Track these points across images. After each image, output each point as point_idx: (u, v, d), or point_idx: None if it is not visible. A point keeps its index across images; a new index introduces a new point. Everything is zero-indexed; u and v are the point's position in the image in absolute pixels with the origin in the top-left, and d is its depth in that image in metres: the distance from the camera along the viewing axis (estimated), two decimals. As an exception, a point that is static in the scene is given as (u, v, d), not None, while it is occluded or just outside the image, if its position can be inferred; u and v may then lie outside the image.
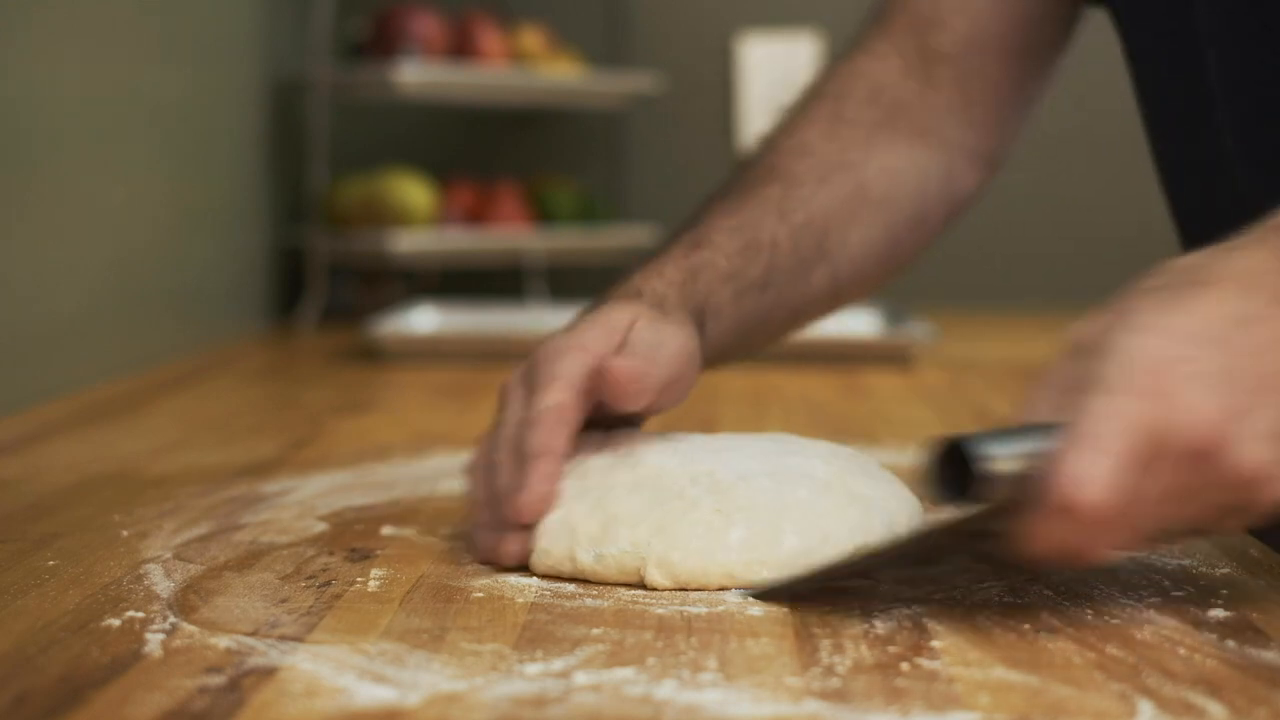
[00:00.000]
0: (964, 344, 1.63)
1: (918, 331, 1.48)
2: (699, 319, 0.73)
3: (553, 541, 0.61)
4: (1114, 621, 0.55)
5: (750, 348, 0.80)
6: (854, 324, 1.56)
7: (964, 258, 1.88)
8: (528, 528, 0.62)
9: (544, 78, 1.95)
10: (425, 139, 2.12)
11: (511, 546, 0.62)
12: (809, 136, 0.81)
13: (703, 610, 0.57)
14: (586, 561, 0.60)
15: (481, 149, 2.16)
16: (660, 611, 0.56)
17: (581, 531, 0.61)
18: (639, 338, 0.67)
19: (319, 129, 1.84)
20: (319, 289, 1.83)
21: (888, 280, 0.84)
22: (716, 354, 0.76)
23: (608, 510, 0.61)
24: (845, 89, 0.83)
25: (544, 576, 0.62)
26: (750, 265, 0.76)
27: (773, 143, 0.82)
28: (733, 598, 0.58)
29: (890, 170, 0.81)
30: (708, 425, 1.04)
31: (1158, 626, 0.54)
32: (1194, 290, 0.52)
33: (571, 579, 0.61)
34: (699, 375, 0.72)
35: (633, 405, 0.65)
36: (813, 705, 0.46)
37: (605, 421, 0.67)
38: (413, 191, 1.84)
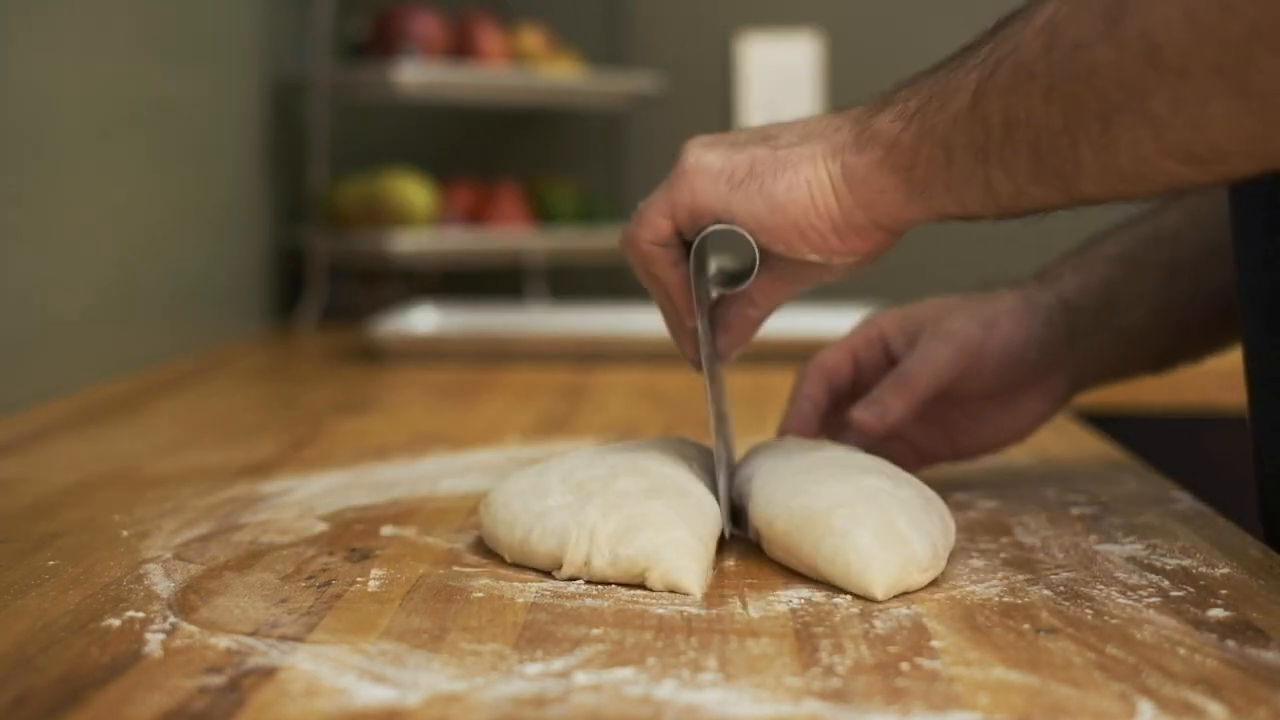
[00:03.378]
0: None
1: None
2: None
3: (565, 541, 0.62)
4: (1114, 621, 0.55)
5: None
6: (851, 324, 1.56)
7: (960, 259, 1.88)
8: None
9: (544, 78, 1.95)
10: (425, 139, 2.12)
11: None
12: None
13: (702, 610, 0.57)
14: (600, 564, 0.60)
15: (481, 149, 2.16)
16: (660, 611, 0.56)
17: (601, 533, 0.61)
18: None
19: (319, 129, 1.84)
20: (319, 289, 1.83)
21: None
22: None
23: (626, 513, 0.62)
24: None
25: (544, 576, 0.62)
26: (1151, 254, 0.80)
27: None
28: (733, 600, 0.58)
29: None
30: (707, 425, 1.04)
31: (1158, 626, 0.54)
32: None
33: (572, 579, 0.61)
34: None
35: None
36: (813, 705, 0.46)
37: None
38: (413, 191, 1.84)
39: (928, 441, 0.81)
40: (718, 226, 0.66)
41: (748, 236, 0.66)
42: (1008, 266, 0.92)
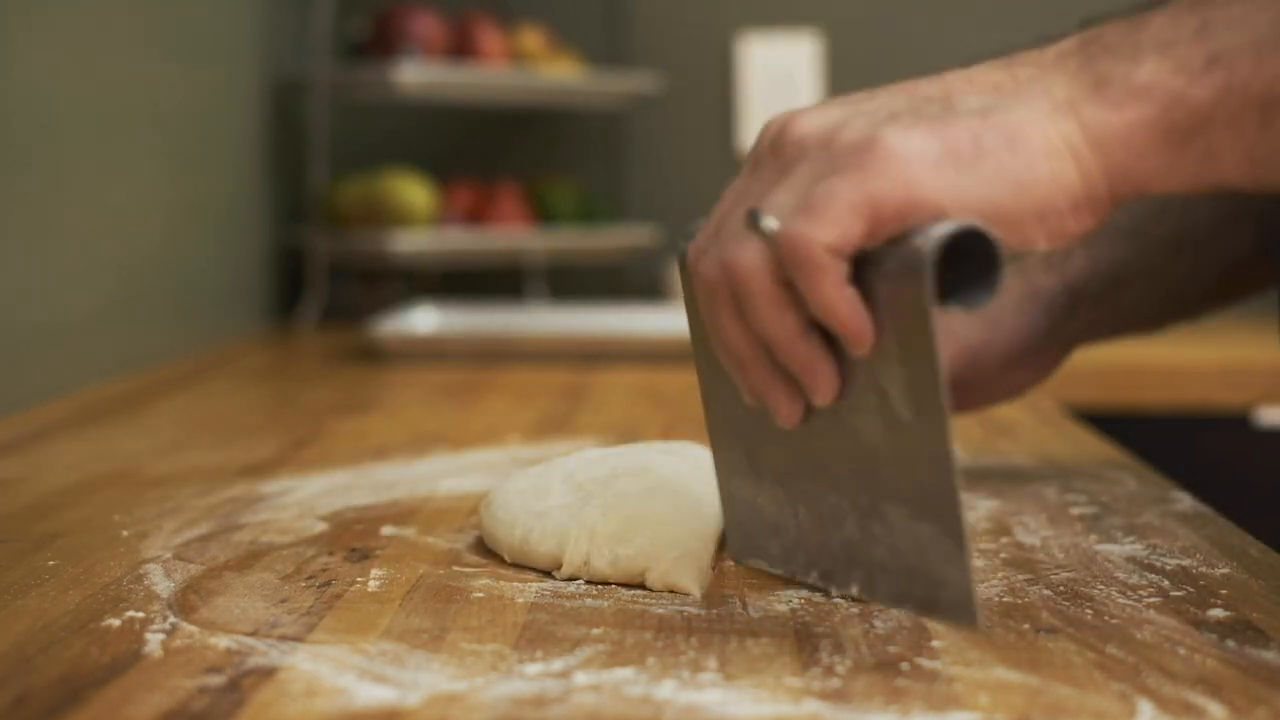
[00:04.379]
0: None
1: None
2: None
3: (565, 542, 0.62)
4: (1114, 621, 0.55)
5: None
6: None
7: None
8: None
9: (544, 78, 1.95)
10: (425, 139, 2.12)
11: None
12: None
13: (702, 610, 0.57)
14: (600, 564, 0.60)
15: (481, 149, 2.16)
16: (660, 611, 0.56)
17: (601, 533, 0.61)
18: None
19: (319, 129, 1.84)
20: (319, 289, 1.83)
21: None
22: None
23: (626, 514, 0.62)
24: None
25: (544, 576, 0.62)
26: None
27: None
28: (733, 600, 0.58)
29: None
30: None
31: (1158, 626, 0.54)
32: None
33: (572, 579, 0.61)
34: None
35: None
36: (813, 705, 0.46)
37: None
38: (413, 191, 1.84)
39: None
40: (951, 225, 0.49)
41: (987, 234, 0.49)
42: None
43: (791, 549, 0.59)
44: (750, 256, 0.50)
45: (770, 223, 0.50)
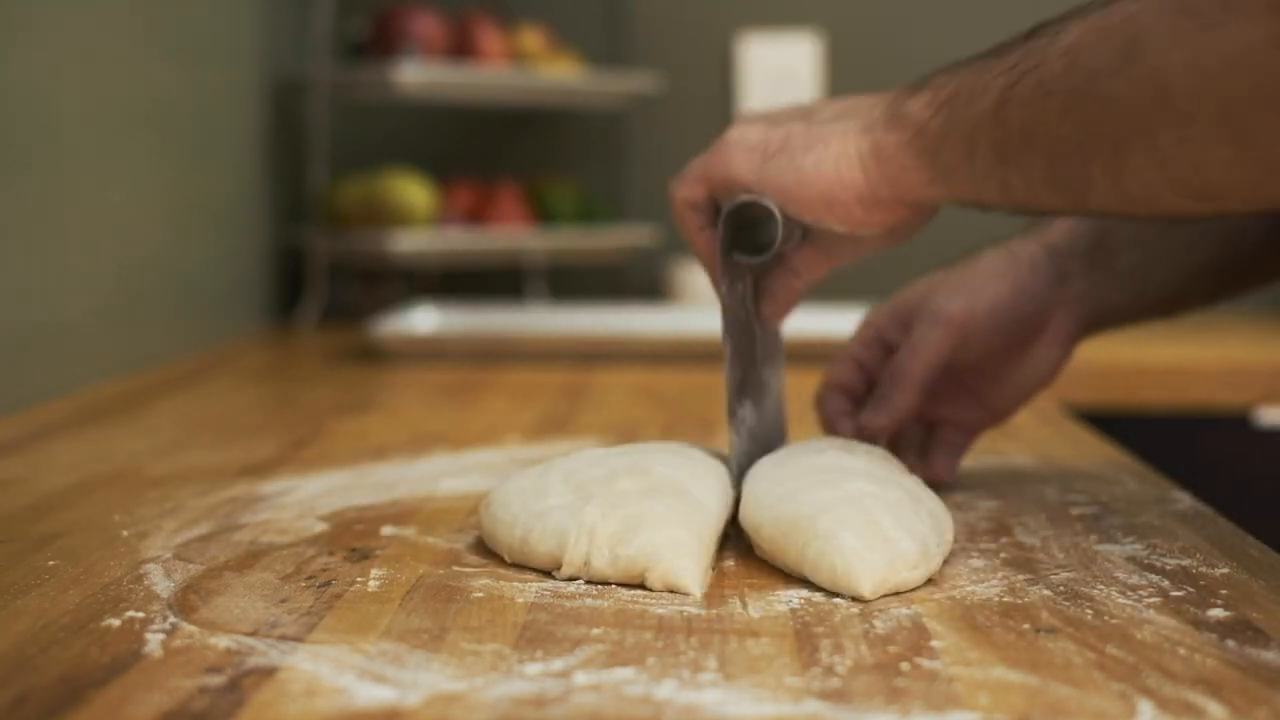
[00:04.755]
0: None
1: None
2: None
3: (565, 542, 0.62)
4: (1114, 621, 0.55)
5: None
6: (846, 324, 1.56)
7: (952, 259, 1.88)
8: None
9: (544, 78, 1.95)
10: (425, 139, 2.12)
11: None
12: None
13: (702, 610, 0.57)
14: (600, 564, 0.60)
15: (481, 149, 2.16)
16: (660, 611, 0.56)
17: (600, 533, 0.61)
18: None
19: (319, 129, 1.84)
20: (319, 289, 1.83)
21: None
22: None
23: (625, 513, 0.62)
24: None
25: (544, 576, 0.62)
26: None
27: None
28: (734, 600, 0.59)
29: None
30: (707, 426, 1.04)
31: (1158, 626, 0.54)
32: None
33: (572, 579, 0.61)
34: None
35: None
36: (813, 705, 0.46)
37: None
38: (413, 191, 1.84)
39: (964, 413, 0.82)
40: (745, 198, 0.70)
41: (773, 208, 0.70)
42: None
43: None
44: (672, 189, 0.76)
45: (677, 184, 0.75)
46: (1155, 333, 0.93)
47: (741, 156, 0.70)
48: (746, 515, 0.64)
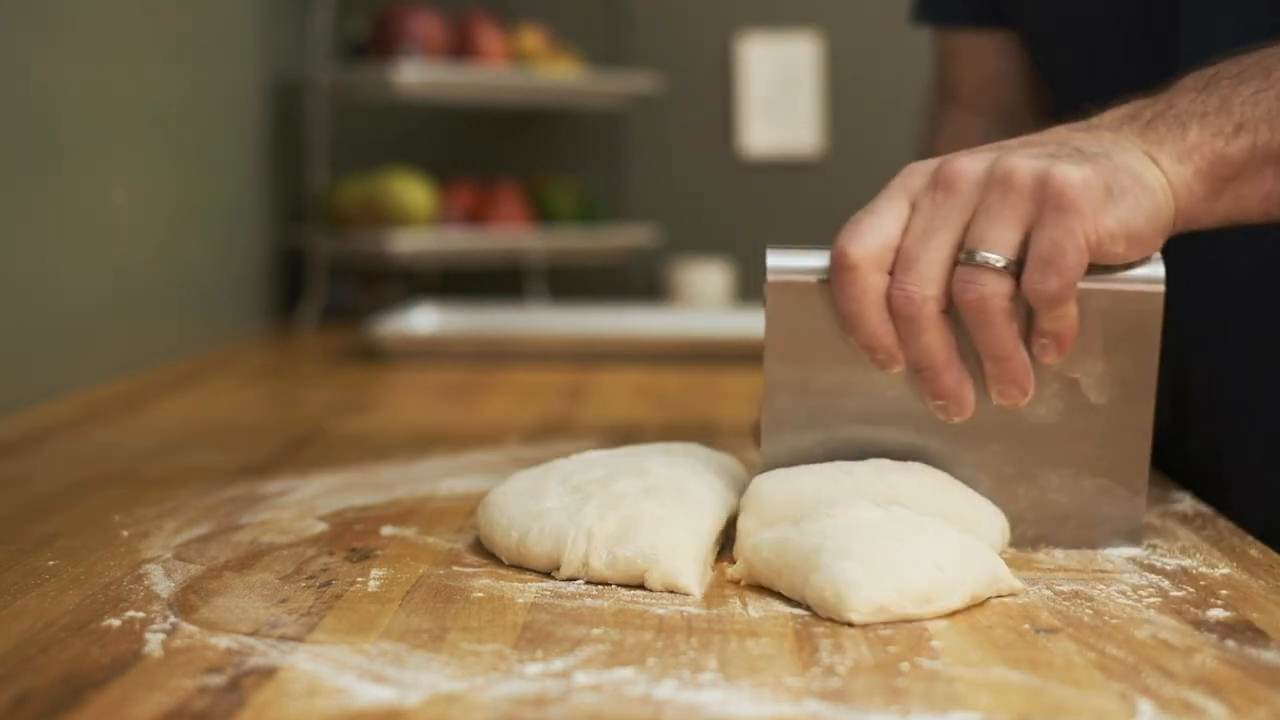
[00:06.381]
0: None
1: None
2: None
3: (562, 543, 0.62)
4: (1114, 621, 0.55)
5: None
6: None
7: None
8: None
9: (544, 78, 1.95)
10: (425, 139, 2.12)
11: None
12: None
13: (702, 610, 0.57)
14: (599, 565, 0.60)
15: (481, 149, 2.16)
16: (660, 611, 0.56)
17: (598, 534, 0.61)
18: None
19: (319, 129, 1.84)
20: (319, 289, 1.83)
21: None
22: None
23: (623, 514, 0.62)
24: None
25: (544, 576, 0.62)
26: None
27: None
28: (734, 600, 0.58)
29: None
30: (708, 425, 1.04)
31: (1158, 626, 0.54)
32: None
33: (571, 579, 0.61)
34: None
35: None
36: (813, 705, 0.46)
37: None
38: (413, 191, 1.84)
39: None
40: (1156, 259, 0.64)
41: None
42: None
43: None
44: (989, 288, 0.61)
45: (996, 259, 0.61)
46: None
47: (1100, 206, 0.61)
48: (742, 536, 0.63)
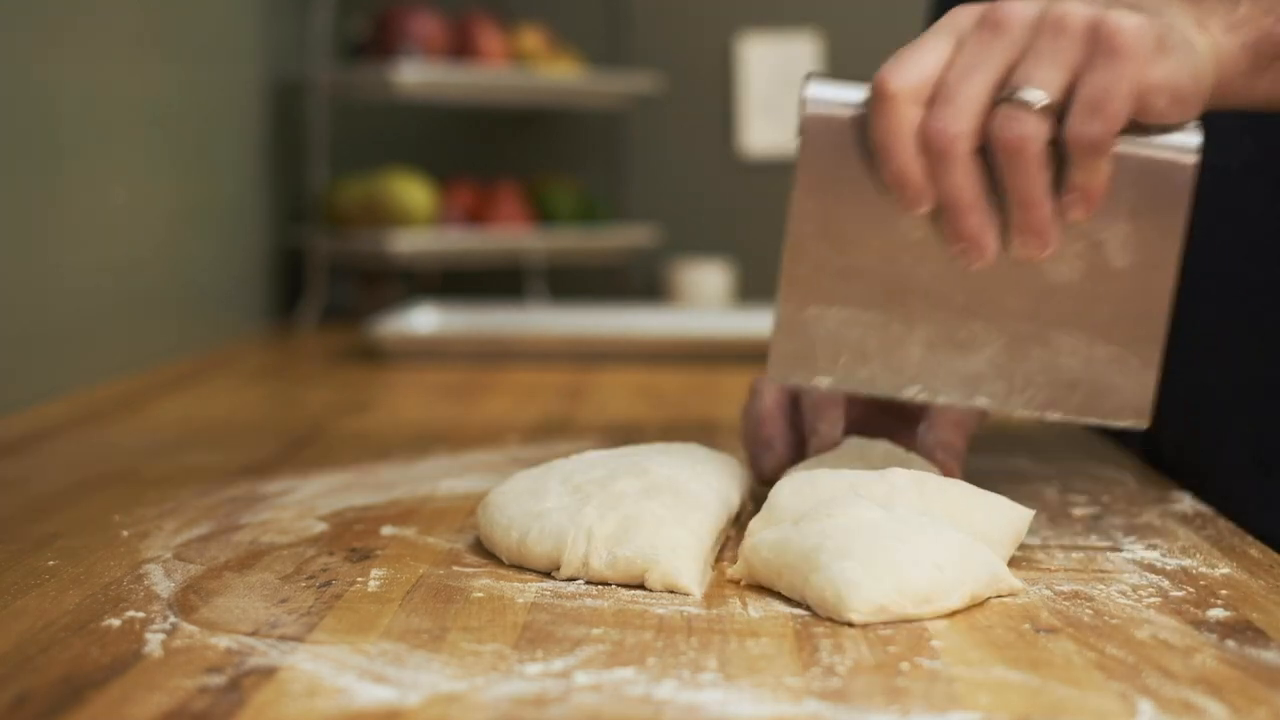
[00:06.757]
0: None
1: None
2: None
3: (562, 543, 0.62)
4: (1114, 621, 0.55)
5: None
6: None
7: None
8: None
9: (544, 78, 1.95)
10: (425, 139, 2.12)
11: None
12: None
13: (703, 610, 0.57)
14: (599, 565, 0.60)
15: (481, 149, 2.16)
16: (660, 611, 0.56)
17: (598, 534, 0.61)
18: None
19: (319, 129, 1.84)
20: (319, 289, 1.83)
21: None
22: None
23: (623, 514, 0.62)
24: None
25: (544, 576, 0.62)
26: None
27: None
28: (734, 600, 0.58)
29: None
30: (707, 425, 1.04)
31: (1158, 626, 0.54)
32: None
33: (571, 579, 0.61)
34: None
35: None
36: (813, 705, 0.46)
37: None
38: (413, 191, 1.84)
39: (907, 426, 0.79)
40: (1195, 127, 0.63)
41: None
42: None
43: (878, 369, 0.67)
44: (1028, 129, 0.60)
45: (1040, 97, 0.60)
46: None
47: (1152, 60, 0.60)
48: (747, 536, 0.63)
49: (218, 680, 0.48)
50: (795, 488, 0.63)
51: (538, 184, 2.03)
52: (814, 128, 0.64)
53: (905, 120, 0.61)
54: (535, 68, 1.95)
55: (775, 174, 2.17)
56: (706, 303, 1.98)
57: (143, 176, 1.37)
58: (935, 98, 0.61)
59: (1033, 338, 0.66)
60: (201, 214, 1.55)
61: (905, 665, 0.50)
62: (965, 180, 0.61)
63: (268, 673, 0.49)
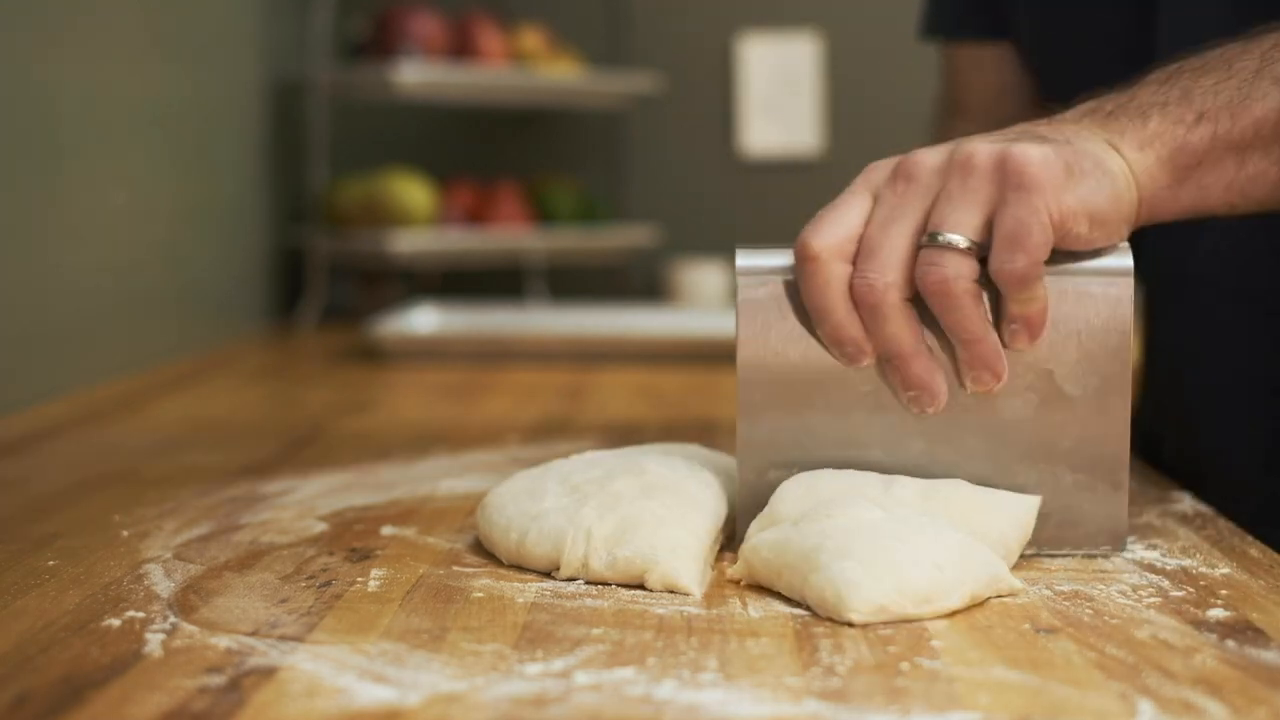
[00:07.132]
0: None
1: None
2: None
3: (561, 544, 0.62)
4: (1114, 621, 0.55)
5: None
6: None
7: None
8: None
9: (544, 78, 1.95)
10: (425, 139, 2.12)
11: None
12: None
13: (703, 610, 0.57)
14: (598, 566, 0.60)
15: (481, 149, 2.16)
16: (660, 611, 0.56)
17: (597, 535, 0.61)
18: None
19: (319, 129, 1.84)
20: (319, 289, 1.83)
21: None
22: None
23: (622, 514, 0.62)
24: None
25: (544, 576, 0.62)
26: None
27: None
28: (733, 600, 0.59)
29: None
30: (707, 425, 1.04)
31: (1158, 626, 0.54)
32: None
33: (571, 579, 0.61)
34: None
35: None
36: (813, 705, 0.46)
37: None
38: (413, 191, 1.84)
39: None
40: (1123, 247, 0.64)
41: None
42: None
43: None
44: (950, 269, 0.60)
45: (958, 239, 0.60)
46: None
47: (1061, 185, 0.60)
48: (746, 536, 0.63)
49: (218, 680, 0.48)
50: (795, 488, 0.63)
51: (538, 184, 2.03)
52: (748, 297, 0.64)
53: (834, 278, 0.62)
54: (535, 68, 1.95)
55: (775, 174, 2.17)
56: (706, 303, 1.98)
57: (143, 177, 1.37)
58: (859, 253, 0.62)
59: (996, 475, 0.65)
60: (201, 214, 1.55)
61: (905, 665, 0.50)
62: (901, 330, 0.62)
63: (268, 673, 0.49)
